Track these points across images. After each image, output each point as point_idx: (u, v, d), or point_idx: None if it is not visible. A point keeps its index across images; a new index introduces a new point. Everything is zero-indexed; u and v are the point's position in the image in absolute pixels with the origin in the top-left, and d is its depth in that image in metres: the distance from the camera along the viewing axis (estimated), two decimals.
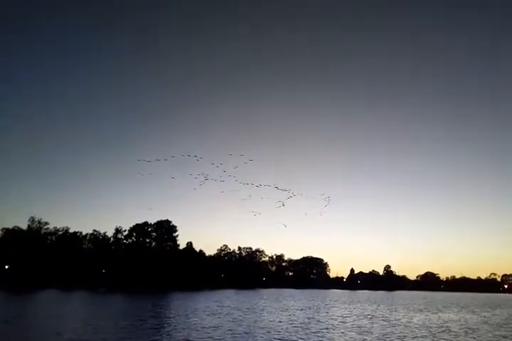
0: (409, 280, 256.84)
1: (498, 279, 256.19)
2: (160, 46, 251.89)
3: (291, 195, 42.26)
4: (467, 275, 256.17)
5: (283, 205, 44.07)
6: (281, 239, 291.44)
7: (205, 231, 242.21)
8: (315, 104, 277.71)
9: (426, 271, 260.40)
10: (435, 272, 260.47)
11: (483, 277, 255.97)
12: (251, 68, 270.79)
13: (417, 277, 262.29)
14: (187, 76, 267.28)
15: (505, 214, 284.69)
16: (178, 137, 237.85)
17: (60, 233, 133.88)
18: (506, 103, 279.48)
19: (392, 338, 26.93)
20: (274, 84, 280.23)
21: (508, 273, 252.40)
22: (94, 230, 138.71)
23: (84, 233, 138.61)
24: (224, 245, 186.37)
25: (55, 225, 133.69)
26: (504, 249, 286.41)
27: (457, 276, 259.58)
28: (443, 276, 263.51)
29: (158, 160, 44.02)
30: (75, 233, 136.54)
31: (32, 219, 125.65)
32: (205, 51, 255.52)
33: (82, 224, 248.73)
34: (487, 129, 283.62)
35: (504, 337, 30.04)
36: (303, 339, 25.54)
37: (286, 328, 30.63)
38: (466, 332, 32.49)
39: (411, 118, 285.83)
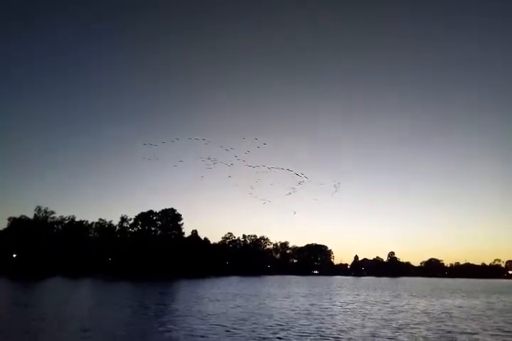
0: (413, 266, 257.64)
1: (503, 265, 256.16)
2: (166, 36, 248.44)
3: (303, 179, 40.45)
4: (471, 262, 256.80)
5: (293, 192, 42.37)
6: (286, 227, 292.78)
7: (210, 219, 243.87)
8: (328, 90, 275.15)
9: (430, 257, 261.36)
10: (439, 258, 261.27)
11: (487, 263, 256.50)
12: (263, 52, 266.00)
13: (421, 263, 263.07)
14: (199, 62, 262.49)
15: (509, 201, 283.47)
16: (187, 121, 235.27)
17: (66, 222, 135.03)
18: None
19: (396, 324, 26.67)
20: (289, 68, 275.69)
21: None
22: (100, 219, 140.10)
23: (90, 222, 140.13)
24: (229, 233, 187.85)
25: (61, 214, 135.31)
26: (509, 235, 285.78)
27: (461, 262, 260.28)
28: (447, 263, 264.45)
29: (163, 142, 42.13)
30: (81, 222, 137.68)
31: (38, 209, 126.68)
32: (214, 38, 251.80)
33: (88, 213, 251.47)
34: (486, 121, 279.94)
35: (509, 322, 29.71)
36: (304, 325, 25.33)
37: (288, 314, 30.47)
38: (470, 318, 32.20)
39: (422, 108, 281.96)
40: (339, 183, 45.43)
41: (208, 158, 40.76)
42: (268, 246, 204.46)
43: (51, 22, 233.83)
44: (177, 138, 42.33)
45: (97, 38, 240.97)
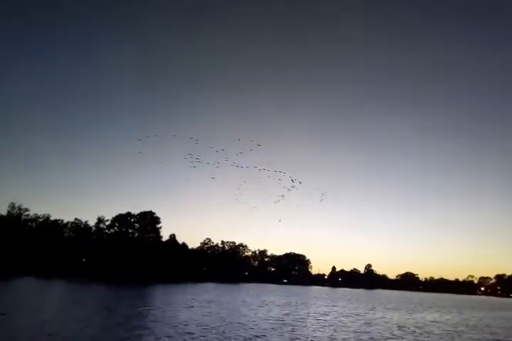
0: (389, 279, 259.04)
1: (476, 281, 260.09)
2: (159, 34, 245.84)
3: (294, 184, 38.56)
4: (445, 277, 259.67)
5: (282, 199, 40.43)
6: (265, 234, 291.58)
7: (189, 224, 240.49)
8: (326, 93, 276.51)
9: (406, 270, 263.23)
10: (415, 272, 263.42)
11: (460, 279, 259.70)
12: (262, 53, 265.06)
13: (396, 276, 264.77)
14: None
15: (486, 218, 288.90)
16: (177, 121, 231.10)
17: (41, 220, 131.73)
18: None
19: (367, 338, 26.31)
20: (287, 70, 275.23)
21: (485, 276, 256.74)
22: (76, 218, 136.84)
23: (65, 221, 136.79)
24: (207, 238, 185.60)
25: (35, 212, 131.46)
26: (483, 252, 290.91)
27: (436, 277, 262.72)
28: (422, 277, 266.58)
29: (147, 137, 39.37)
30: (56, 221, 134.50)
31: (12, 205, 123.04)
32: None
33: (64, 212, 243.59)
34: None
35: (479, 339, 29.69)
36: (276, 335, 24.74)
37: (261, 324, 29.82)
38: (443, 333, 32.11)
39: (411, 119, 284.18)
40: (326, 192, 44.17)
41: (192, 156, 38.39)
42: (246, 254, 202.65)
43: (50, 22, 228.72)
44: (156, 135, 39.71)
45: (86, 35, 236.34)
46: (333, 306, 57.26)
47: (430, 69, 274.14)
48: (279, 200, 40.49)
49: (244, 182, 39.24)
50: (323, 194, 42.69)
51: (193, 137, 39.20)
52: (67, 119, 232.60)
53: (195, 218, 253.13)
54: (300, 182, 39.22)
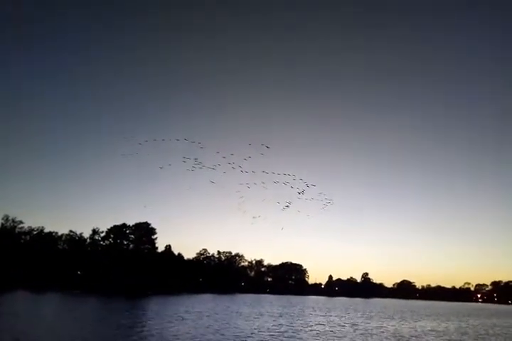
0: (386, 287, 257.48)
1: (472, 289, 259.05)
2: (162, 34, 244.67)
3: (304, 189, 35.58)
4: (442, 285, 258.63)
5: (290, 204, 37.48)
6: (262, 244, 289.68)
7: (185, 234, 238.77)
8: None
9: (403, 279, 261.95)
10: (411, 280, 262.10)
11: (457, 286, 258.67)
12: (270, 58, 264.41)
13: (393, 285, 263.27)
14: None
15: (482, 226, 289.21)
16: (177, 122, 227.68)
17: (35, 233, 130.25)
18: None
19: None
20: (295, 74, 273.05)
21: (482, 283, 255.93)
22: (71, 230, 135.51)
23: (60, 233, 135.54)
24: (203, 249, 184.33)
25: (29, 224, 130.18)
26: (479, 259, 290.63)
27: (432, 285, 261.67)
28: (419, 285, 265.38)
29: (146, 141, 36.22)
30: (51, 233, 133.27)
31: (6, 218, 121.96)
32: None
33: (58, 224, 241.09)
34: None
35: None
36: None
37: (255, 336, 29.21)
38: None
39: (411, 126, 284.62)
40: (332, 200, 41.00)
41: (196, 162, 35.81)
42: (243, 264, 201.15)
43: (48, 24, 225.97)
44: (155, 139, 36.63)
45: (87, 33, 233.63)
46: (330, 316, 56.52)
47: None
48: (287, 206, 37.82)
49: (249, 187, 36.96)
50: (329, 202, 39.65)
51: (195, 141, 36.35)
52: (62, 129, 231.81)
53: (191, 228, 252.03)
54: (314, 185, 36.62)
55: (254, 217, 40.72)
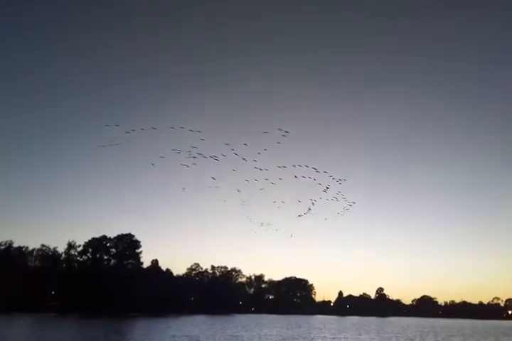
0: (404, 304, 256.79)
1: (502, 304, 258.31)
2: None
3: (328, 185, 31.63)
4: (468, 300, 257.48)
5: (310, 209, 33.62)
6: (261, 257, 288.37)
7: (174, 247, 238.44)
8: None
9: (422, 294, 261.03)
10: (432, 296, 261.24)
11: (485, 302, 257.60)
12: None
13: (412, 301, 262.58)
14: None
15: (507, 236, 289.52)
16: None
17: (3, 248, 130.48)
18: None
19: None
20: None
21: None
22: (43, 245, 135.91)
23: (30, 248, 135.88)
24: (195, 263, 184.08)
25: None
26: (508, 271, 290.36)
27: (457, 301, 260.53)
28: (441, 301, 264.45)
29: (133, 130, 31.27)
30: (20, 248, 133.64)
31: None
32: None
33: (29, 237, 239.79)
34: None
35: None
36: None
37: None
38: None
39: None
40: (354, 202, 36.46)
41: (195, 156, 31.94)
42: (240, 280, 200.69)
43: (46, 27, 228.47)
44: (142, 129, 32.01)
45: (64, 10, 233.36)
46: (340, 338, 55.84)
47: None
48: (309, 209, 34.05)
49: (261, 189, 33.31)
50: (350, 204, 35.62)
51: (193, 129, 31.28)
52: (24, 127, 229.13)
53: (181, 239, 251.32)
54: (345, 179, 32.97)
55: (262, 225, 37.04)
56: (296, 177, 33.22)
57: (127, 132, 31.92)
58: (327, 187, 33.29)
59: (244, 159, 32.55)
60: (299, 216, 34.86)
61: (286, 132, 32.73)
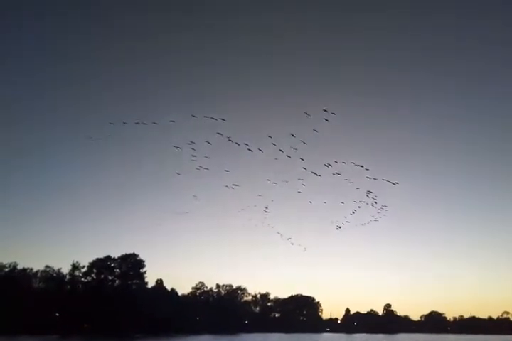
0: (412, 321, 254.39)
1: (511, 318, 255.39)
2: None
3: (369, 190, 28.67)
4: (477, 315, 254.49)
5: (342, 225, 30.87)
6: (266, 275, 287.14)
7: (178, 266, 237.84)
8: None
9: (430, 310, 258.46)
10: (441, 311, 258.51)
11: (494, 316, 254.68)
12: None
13: (420, 317, 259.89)
14: None
15: None
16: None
17: (7, 270, 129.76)
18: None
19: None
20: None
21: None
22: (47, 266, 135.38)
23: (35, 270, 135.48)
24: (200, 282, 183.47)
25: (1, 261, 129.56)
26: None
27: (466, 316, 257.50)
28: (450, 316, 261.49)
29: (145, 123, 29.82)
30: (25, 270, 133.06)
31: None
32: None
33: (33, 259, 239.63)
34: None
35: None
36: None
37: None
38: None
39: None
40: (386, 206, 33.51)
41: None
42: (246, 298, 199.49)
43: (44, 30, 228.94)
44: (137, 122, 29.33)
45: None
46: None
47: None
48: (338, 227, 31.30)
49: (266, 212, 31.26)
50: (382, 208, 32.57)
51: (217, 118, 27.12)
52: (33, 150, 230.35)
53: (186, 258, 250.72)
54: (397, 183, 30.73)
55: (289, 239, 34.43)
56: (336, 173, 30.77)
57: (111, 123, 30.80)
58: (368, 192, 30.96)
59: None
60: (337, 229, 33.03)
61: (333, 114, 28.92)
